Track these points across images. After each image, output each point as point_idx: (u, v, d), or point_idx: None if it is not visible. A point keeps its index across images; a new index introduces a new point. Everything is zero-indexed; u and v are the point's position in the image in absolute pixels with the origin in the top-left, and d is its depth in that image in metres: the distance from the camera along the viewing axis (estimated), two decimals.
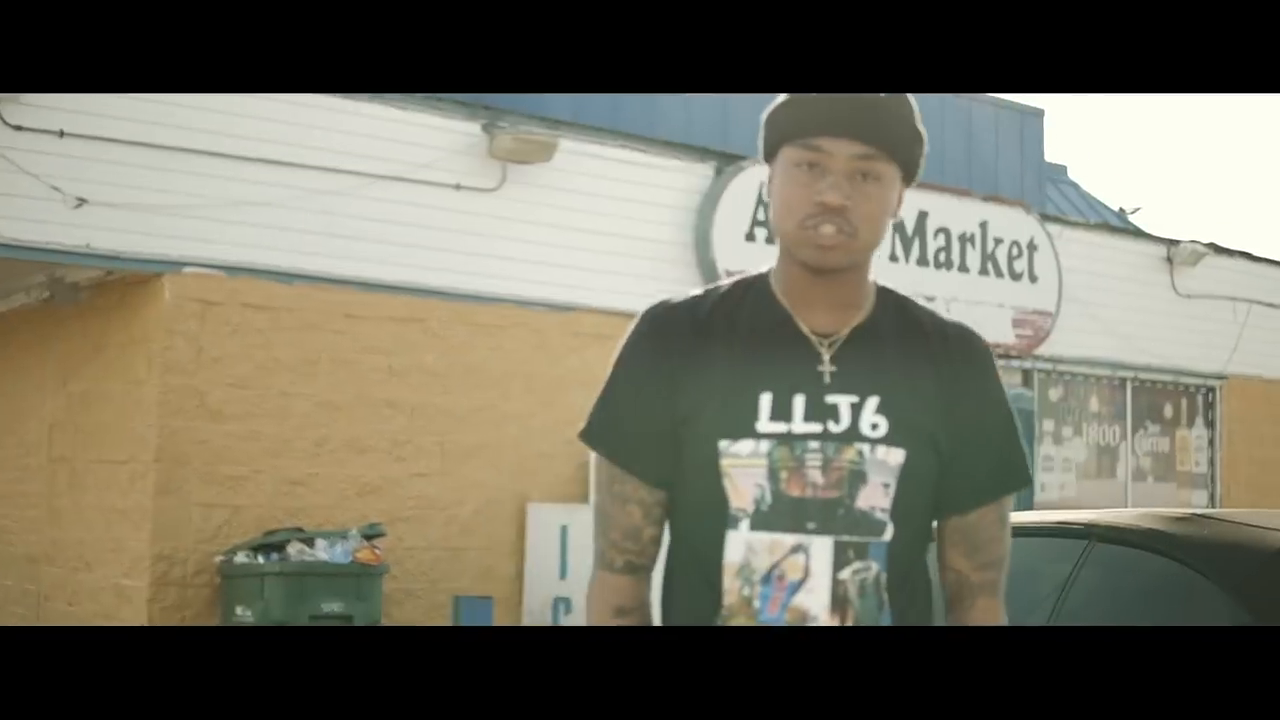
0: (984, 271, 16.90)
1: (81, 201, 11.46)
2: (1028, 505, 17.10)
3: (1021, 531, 5.26)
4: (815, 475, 2.79)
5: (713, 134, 15.86)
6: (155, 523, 11.81)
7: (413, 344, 13.01)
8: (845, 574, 2.79)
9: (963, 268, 16.71)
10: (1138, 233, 20.12)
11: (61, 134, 11.41)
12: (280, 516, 12.21)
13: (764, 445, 2.79)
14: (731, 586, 2.81)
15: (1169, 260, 19.10)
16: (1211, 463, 19.76)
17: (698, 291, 3.00)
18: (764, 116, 2.88)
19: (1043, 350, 17.56)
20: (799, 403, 2.80)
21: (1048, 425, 18.03)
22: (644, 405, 2.88)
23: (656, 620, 2.95)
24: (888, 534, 2.82)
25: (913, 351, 2.88)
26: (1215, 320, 19.57)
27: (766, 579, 2.79)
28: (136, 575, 11.94)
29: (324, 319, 12.57)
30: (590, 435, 2.96)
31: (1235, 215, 64.13)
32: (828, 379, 2.83)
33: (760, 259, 3.02)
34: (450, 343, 13.19)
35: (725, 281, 3.01)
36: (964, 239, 16.77)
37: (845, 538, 2.79)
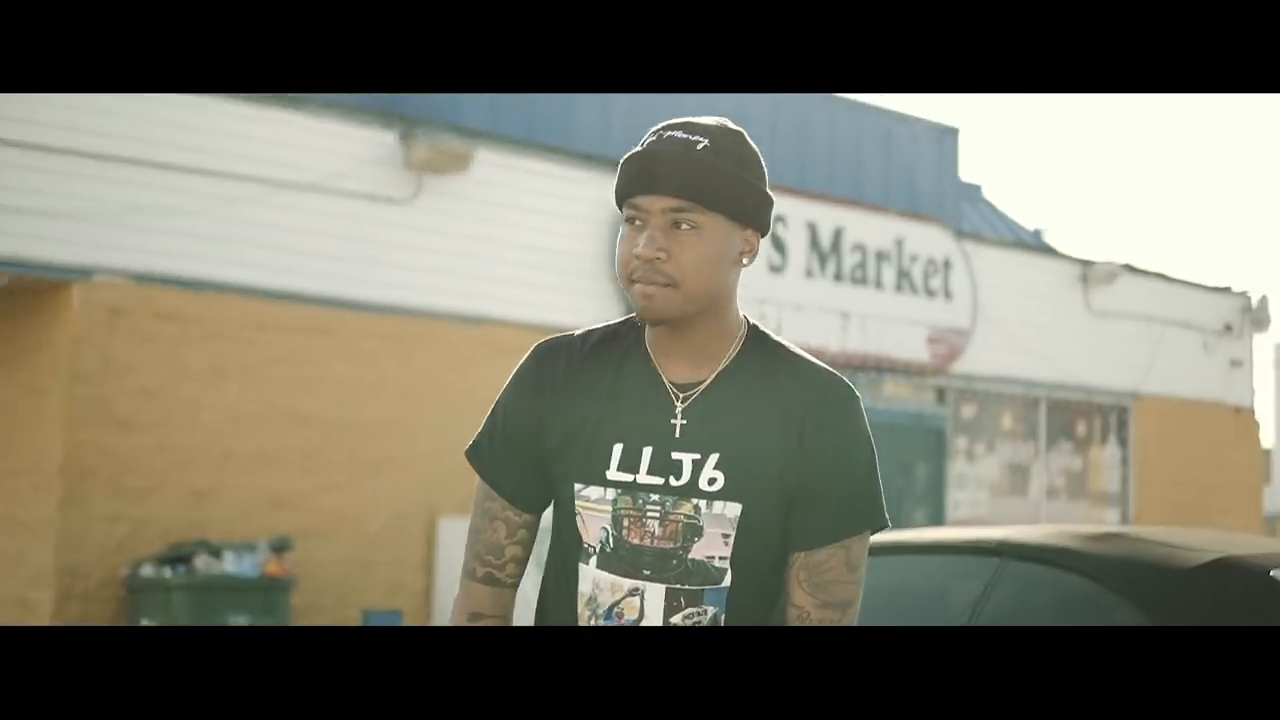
0: (899, 288, 16.93)
1: None
2: (939, 522, 17.12)
3: (932, 549, 5.24)
4: (654, 525, 2.97)
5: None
6: (59, 535, 11.61)
7: (323, 355, 12.87)
8: (677, 619, 2.97)
9: (878, 284, 16.72)
10: (1052, 251, 20.18)
11: None
12: (187, 529, 12.03)
13: (610, 493, 3.00)
14: (582, 613, 3.03)
15: (1083, 279, 19.20)
16: (1124, 481, 19.86)
17: (596, 325, 3.18)
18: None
19: (957, 367, 17.59)
20: (646, 455, 2.99)
21: (960, 443, 18.06)
22: (515, 434, 3.08)
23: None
24: (726, 580, 2.98)
25: (763, 401, 3.00)
26: (1128, 339, 19.68)
27: (609, 614, 3.00)
28: (40, 588, 11.73)
29: (234, 329, 12.41)
30: (471, 453, 3.16)
31: (1149, 236, 64.81)
32: (677, 434, 2.99)
33: None
34: (361, 354, 13.06)
35: (619, 320, 3.17)
36: (880, 255, 16.79)
37: (677, 585, 2.97)
